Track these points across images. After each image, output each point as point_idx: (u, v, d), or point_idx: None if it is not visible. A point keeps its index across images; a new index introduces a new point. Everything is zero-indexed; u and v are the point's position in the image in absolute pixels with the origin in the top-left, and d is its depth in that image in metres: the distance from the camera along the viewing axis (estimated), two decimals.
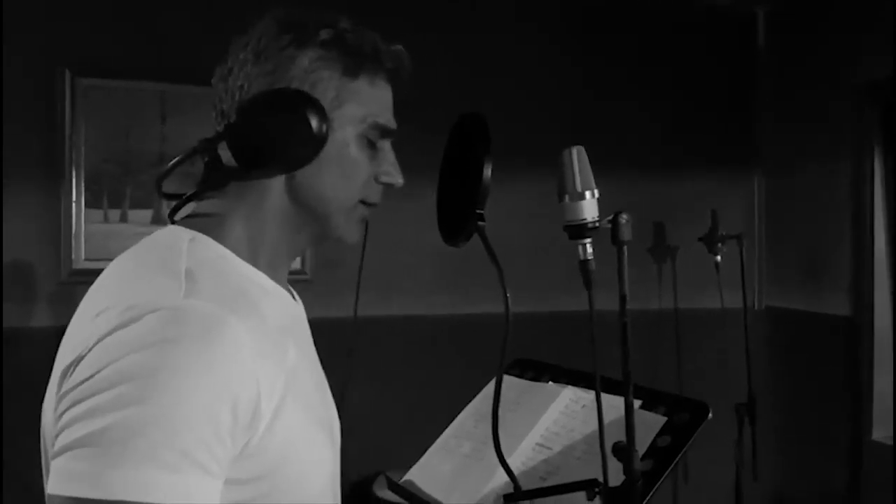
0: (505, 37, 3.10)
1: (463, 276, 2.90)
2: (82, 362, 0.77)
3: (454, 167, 1.00)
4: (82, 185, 2.62)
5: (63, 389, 0.78)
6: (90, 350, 0.77)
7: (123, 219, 2.64)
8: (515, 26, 3.13)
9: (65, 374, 0.79)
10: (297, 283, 3.27)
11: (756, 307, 3.40)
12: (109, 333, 0.77)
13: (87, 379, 0.75)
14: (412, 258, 2.95)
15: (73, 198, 2.61)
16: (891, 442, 2.87)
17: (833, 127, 3.10)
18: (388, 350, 2.91)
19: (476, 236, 0.95)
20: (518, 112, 2.98)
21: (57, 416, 0.77)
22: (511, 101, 2.99)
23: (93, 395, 0.74)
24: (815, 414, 3.15)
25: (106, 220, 2.64)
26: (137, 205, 2.65)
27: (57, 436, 0.76)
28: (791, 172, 3.33)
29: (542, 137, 2.56)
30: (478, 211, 0.94)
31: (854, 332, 3.00)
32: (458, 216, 0.98)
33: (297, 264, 2.80)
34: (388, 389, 2.86)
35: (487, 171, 0.94)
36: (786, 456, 3.22)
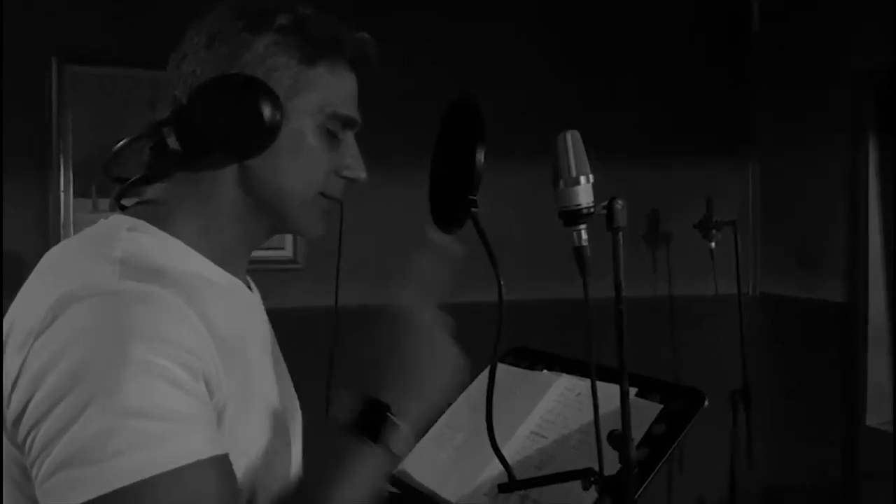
0: (498, 22, 3.08)
1: (457, 262, 2.89)
2: (25, 369, 0.75)
3: (447, 153, 0.99)
4: (70, 174, 2.59)
5: (15, 402, 0.75)
6: (30, 350, 0.75)
7: (112, 208, 2.62)
8: (508, 11, 3.10)
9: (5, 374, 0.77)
10: (288, 271, 3.25)
11: (751, 294, 3.39)
12: (44, 331, 0.75)
13: (37, 389, 0.73)
14: (404, 246, 2.93)
15: (62, 187, 2.59)
16: (885, 427, 2.88)
17: (828, 113, 3.09)
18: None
19: (469, 223, 0.94)
20: (510, 98, 2.96)
21: (23, 432, 0.75)
22: (503, 86, 2.97)
23: (51, 408, 0.72)
24: (809, 400, 3.15)
25: (95, 209, 2.61)
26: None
27: (37, 457, 0.73)
28: (786, 159, 3.32)
29: (534, 124, 2.54)
30: (471, 197, 0.93)
31: (849, 318, 3.00)
32: (451, 203, 0.97)
33: (289, 253, 2.78)
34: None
35: (480, 157, 0.93)
36: (781, 442, 3.23)
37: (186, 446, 0.74)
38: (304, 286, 2.69)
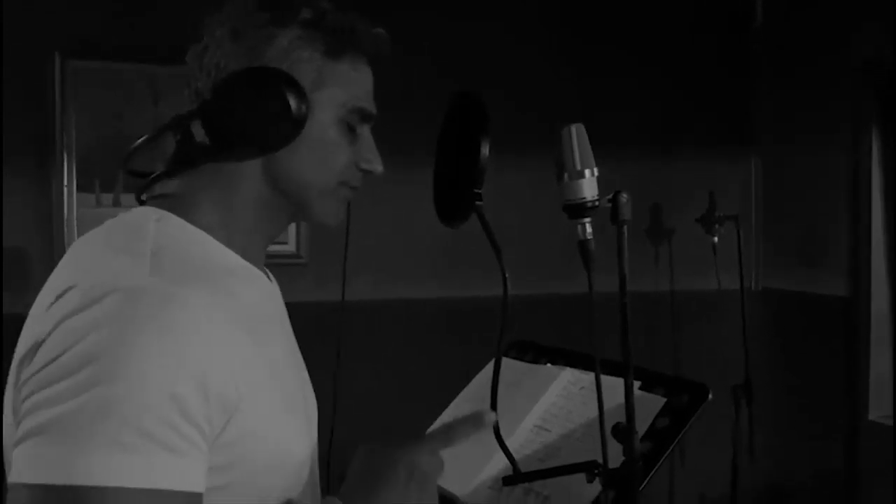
0: (498, 22, 3.06)
1: (460, 258, 2.89)
2: (42, 346, 0.75)
3: (450, 147, 0.99)
4: (73, 169, 2.59)
5: (23, 377, 0.76)
6: (50, 334, 0.75)
7: (116, 203, 2.61)
8: (508, 11, 3.09)
9: (23, 360, 0.77)
10: (292, 266, 3.25)
11: (753, 288, 3.39)
12: (70, 315, 0.75)
13: (48, 363, 0.73)
14: (408, 241, 2.93)
15: (65, 182, 2.58)
16: (887, 422, 2.88)
17: (830, 107, 3.08)
18: (385, 334, 2.90)
19: (473, 217, 0.94)
20: (512, 92, 2.96)
21: (20, 402, 0.75)
22: (505, 81, 2.96)
23: (54, 381, 0.72)
24: (812, 395, 3.15)
25: (98, 204, 2.61)
26: (130, 188, 2.62)
27: (19, 423, 0.74)
28: (788, 153, 3.31)
29: (536, 118, 2.54)
30: (475, 190, 0.92)
31: (851, 312, 3.00)
32: (456, 196, 0.97)
33: (292, 248, 2.78)
34: (385, 374, 2.85)
35: (485, 150, 0.93)
36: (783, 437, 3.23)
37: (169, 471, 0.72)
38: (308, 281, 2.70)
